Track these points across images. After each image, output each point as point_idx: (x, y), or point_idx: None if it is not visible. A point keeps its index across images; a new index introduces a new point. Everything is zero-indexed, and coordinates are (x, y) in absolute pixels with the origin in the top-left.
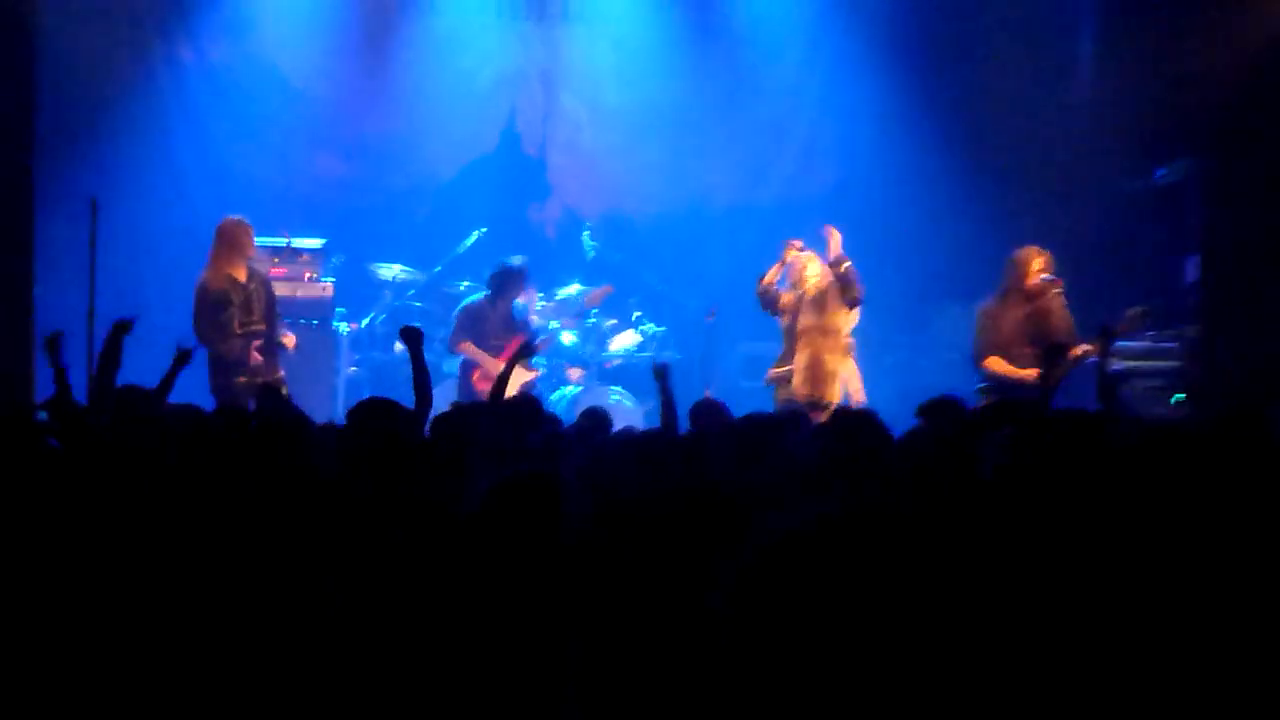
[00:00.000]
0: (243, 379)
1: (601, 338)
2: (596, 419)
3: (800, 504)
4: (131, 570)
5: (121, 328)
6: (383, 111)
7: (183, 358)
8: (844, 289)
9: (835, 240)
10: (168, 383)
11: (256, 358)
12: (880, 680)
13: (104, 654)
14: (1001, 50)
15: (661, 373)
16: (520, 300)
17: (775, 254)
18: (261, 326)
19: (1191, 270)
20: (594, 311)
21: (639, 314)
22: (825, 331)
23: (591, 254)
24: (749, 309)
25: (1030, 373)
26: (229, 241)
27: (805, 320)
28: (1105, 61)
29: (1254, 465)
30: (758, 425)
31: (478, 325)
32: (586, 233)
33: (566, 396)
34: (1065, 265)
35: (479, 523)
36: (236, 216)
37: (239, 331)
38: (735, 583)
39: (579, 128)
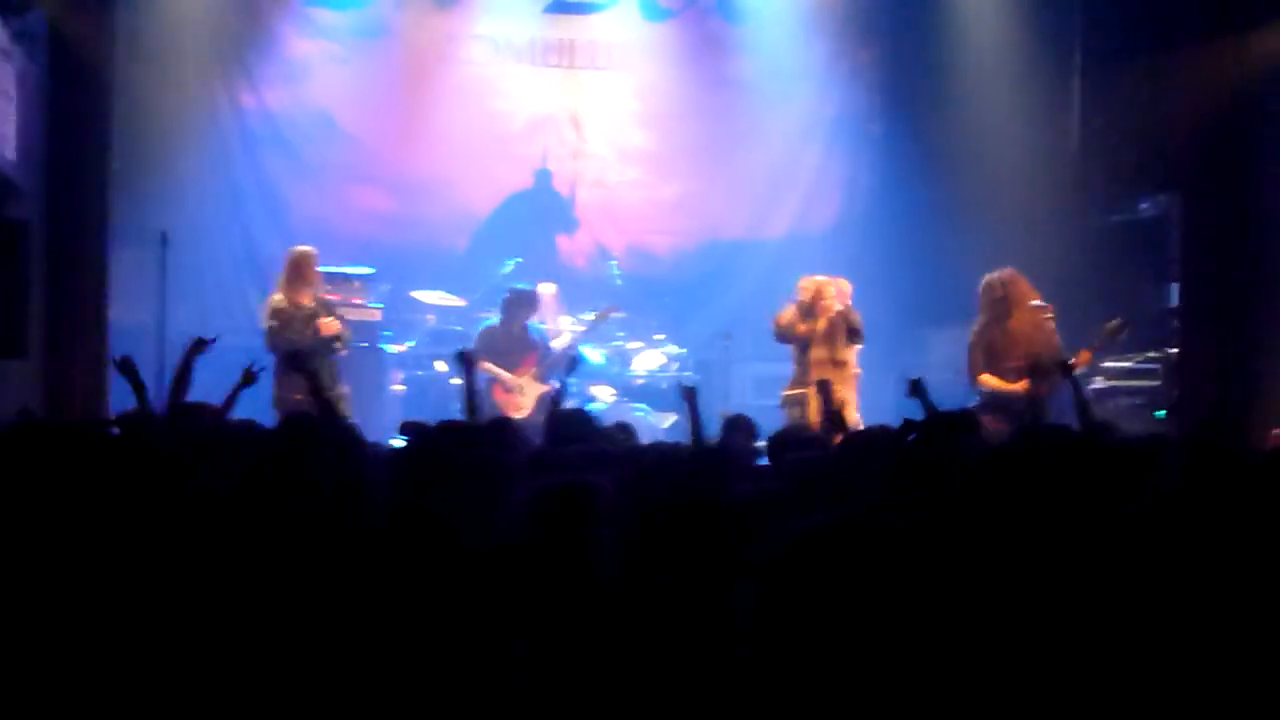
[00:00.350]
0: (299, 395)
1: (626, 358)
2: (625, 432)
3: (812, 511)
4: (178, 575)
5: (199, 346)
6: (425, 152)
7: (249, 377)
8: (851, 334)
9: (847, 291)
10: (231, 400)
11: (329, 327)
12: (895, 681)
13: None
14: (991, 93)
15: (689, 394)
16: (539, 322)
17: (786, 287)
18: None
19: (1171, 297)
20: (620, 334)
21: (661, 336)
22: (836, 363)
23: (618, 282)
24: (758, 332)
25: (1021, 386)
26: (292, 268)
27: (818, 353)
28: (1090, 101)
29: (1230, 473)
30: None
31: (493, 345)
32: (613, 262)
33: (594, 412)
34: (1053, 293)
35: (519, 533)
36: (303, 247)
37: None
38: (755, 585)
39: (605, 166)
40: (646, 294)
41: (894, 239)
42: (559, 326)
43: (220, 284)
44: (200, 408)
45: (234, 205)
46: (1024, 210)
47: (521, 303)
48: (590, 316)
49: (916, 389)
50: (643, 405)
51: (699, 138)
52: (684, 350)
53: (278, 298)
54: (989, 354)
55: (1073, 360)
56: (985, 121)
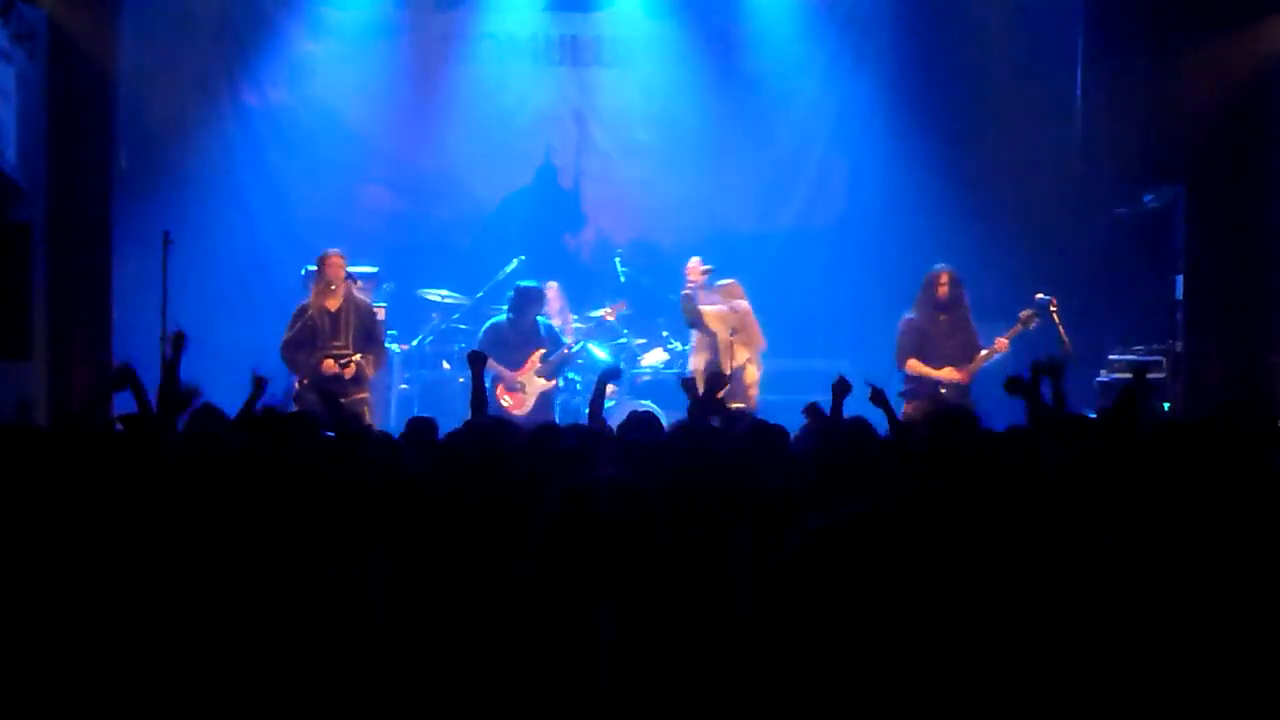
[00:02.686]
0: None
1: (632, 355)
2: (646, 421)
3: (830, 503)
4: (185, 569)
5: (178, 342)
6: (430, 150)
7: (259, 385)
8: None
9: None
10: (249, 406)
11: (330, 366)
12: (909, 675)
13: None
14: (997, 87)
15: (691, 387)
16: (548, 318)
17: (793, 281)
18: (346, 350)
19: (1177, 289)
20: (625, 331)
21: (666, 333)
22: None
23: (623, 278)
24: (767, 328)
25: (946, 372)
26: (319, 272)
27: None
28: (1095, 96)
29: (1234, 461)
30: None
31: (500, 342)
32: (618, 258)
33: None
34: (1058, 285)
35: (555, 527)
36: (332, 250)
37: (318, 350)
38: (773, 580)
39: (610, 162)
40: (652, 290)
41: (899, 233)
42: (564, 323)
43: (224, 284)
44: (207, 409)
45: (238, 205)
46: (1029, 203)
47: (530, 299)
48: (598, 313)
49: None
50: (648, 402)
51: (703, 133)
52: (688, 347)
53: (305, 301)
54: (919, 341)
55: (989, 349)
56: (989, 115)
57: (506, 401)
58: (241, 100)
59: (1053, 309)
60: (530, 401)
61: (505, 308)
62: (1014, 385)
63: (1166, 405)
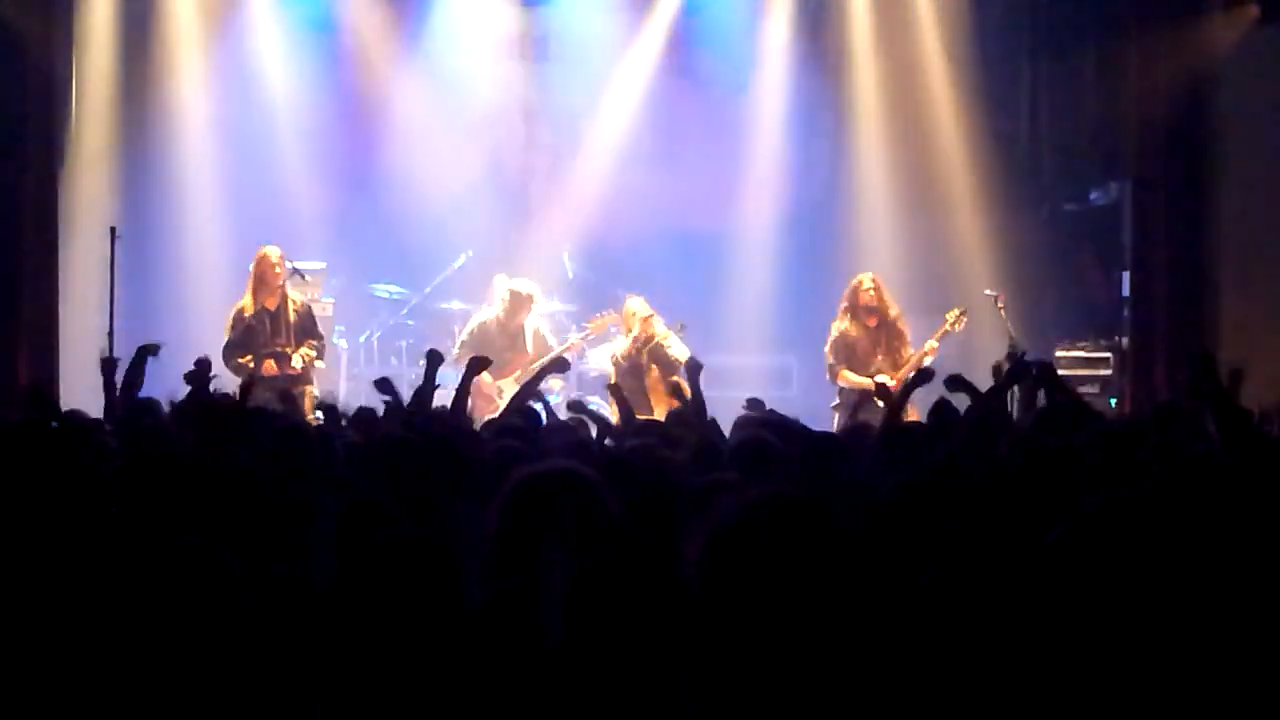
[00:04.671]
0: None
1: (581, 351)
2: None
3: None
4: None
5: (146, 350)
6: (378, 145)
7: (202, 368)
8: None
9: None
10: (131, 382)
11: (271, 369)
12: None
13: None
14: (943, 80)
15: (693, 369)
16: (532, 323)
17: (742, 278)
18: (289, 348)
19: (1124, 286)
20: (574, 327)
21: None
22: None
23: (571, 274)
24: (713, 325)
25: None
26: (254, 272)
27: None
28: (1042, 90)
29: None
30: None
31: (487, 342)
32: (566, 255)
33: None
34: (1005, 281)
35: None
36: (264, 249)
37: (261, 350)
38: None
39: (558, 158)
40: (601, 287)
41: (849, 227)
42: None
43: (170, 281)
44: (146, 404)
45: (186, 202)
46: (977, 198)
47: (520, 302)
48: (588, 327)
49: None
50: (595, 399)
51: (654, 129)
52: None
53: (241, 304)
54: (848, 352)
55: (919, 353)
56: (938, 109)
57: (481, 408)
58: (190, 97)
59: (1000, 305)
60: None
61: (488, 306)
62: (955, 382)
63: (1113, 401)
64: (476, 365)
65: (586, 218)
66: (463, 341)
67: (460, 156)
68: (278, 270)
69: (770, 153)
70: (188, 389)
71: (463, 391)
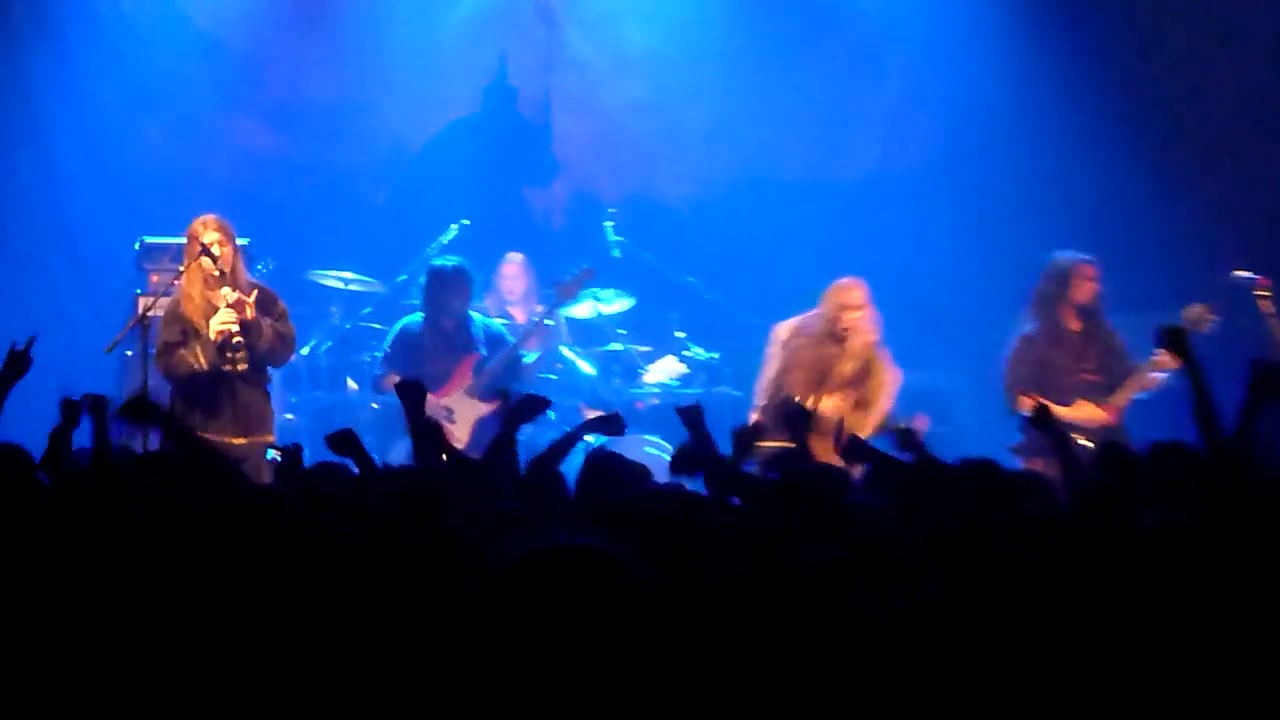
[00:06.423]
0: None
1: (630, 368)
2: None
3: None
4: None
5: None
6: (326, 66)
7: (71, 412)
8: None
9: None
10: (57, 444)
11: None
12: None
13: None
14: None
15: (694, 415)
16: (488, 313)
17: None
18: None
19: None
20: (622, 331)
21: (682, 334)
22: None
23: (616, 251)
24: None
25: (1083, 411)
26: (190, 247)
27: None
28: None
29: None
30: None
31: (411, 351)
32: (608, 224)
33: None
34: (1271, 260)
35: (499, 611)
36: (202, 216)
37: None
38: (819, 681)
39: (594, 81)
40: (659, 270)
41: (1023, 184)
42: (529, 316)
43: (23, 271)
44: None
45: (36, 141)
46: (1209, 151)
47: (450, 285)
48: (562, 285)
49: (690, 416)
50: (655, 438)
51: (730, 40)
52: (715, 355)
53: (174, 296)
54: (1038, 369)
55: (1146, 368)
56: (1150, 30)
57: None
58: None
59: (1261, 294)
60: (465, 435)
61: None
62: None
63: None
64: (409, 395)
65: (635, 168)
66: (383, 356)
67: (448, 81)
68: (226, 247)
69: (903, 75)
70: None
71: (416, 428)
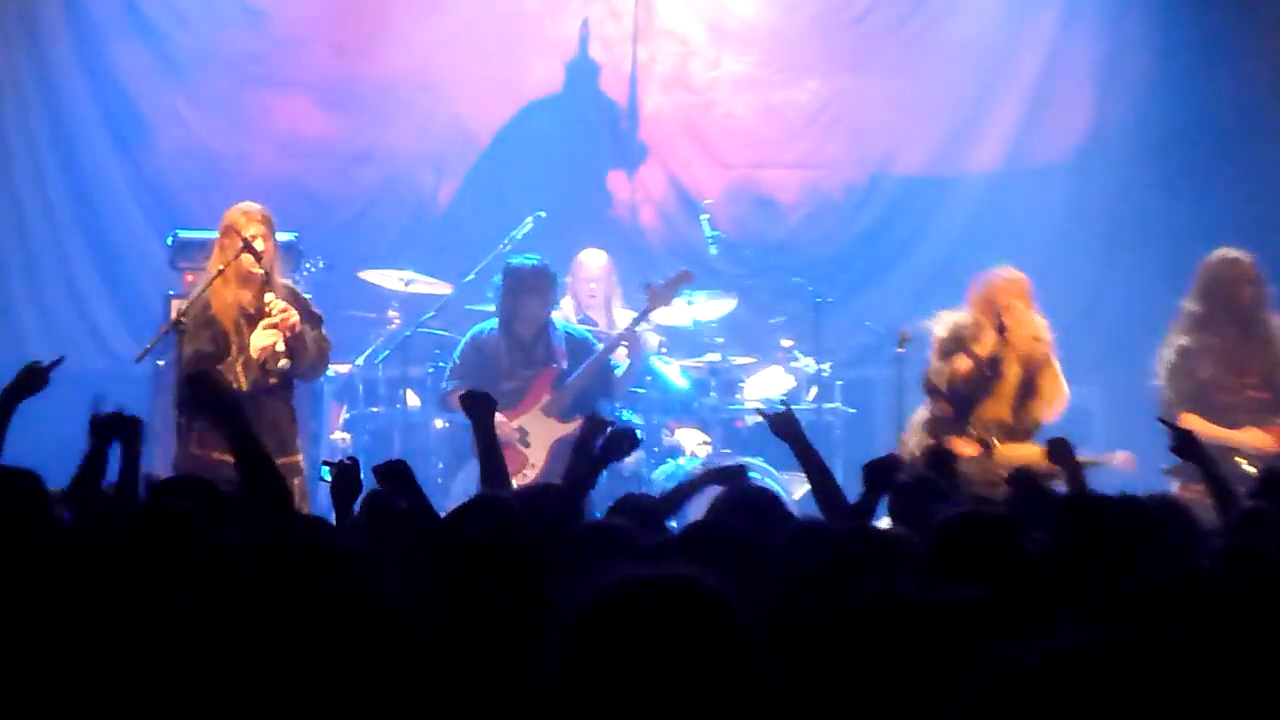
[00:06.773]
0: (220, 454)
1: (730, 382)
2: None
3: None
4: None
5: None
6: (385, 39)
7: (102, 429)
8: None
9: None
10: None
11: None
12: None
13: None
14: None
15: (789, 423)
16: (568, 320)
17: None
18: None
19: None
20: (720, 339)
21: (789, 342)
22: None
23: (714, 249)
24: None
25: (1249, 436)
26: (225, 241)
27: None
28: None
29: None
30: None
31: (485, 366)
32: (704, 216)
33: (673, 473)
34: None
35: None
36: (249, 204)
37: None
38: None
39: (690, 54)
40: (763, 269)
41: (1179, 174)
42: (610, 322)
43: (53, 266)
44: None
45: (65, 133)
46: None
47: (526, 288)
48: (656, 290)
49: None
50: (758, 460)
51: (848, 5)
52: (826, 366)
53: (197, 300)
54: (1198, 383)
55: None
56: None
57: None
58: None
59: None
60: (541, 460)
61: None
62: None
63: None
64: (476, 408)
65: (738, 156)
66: (449, 370)
67: (522, 57)
68: (269, 241)
69: (1049, 46)
70: None
71: (486, 450)
